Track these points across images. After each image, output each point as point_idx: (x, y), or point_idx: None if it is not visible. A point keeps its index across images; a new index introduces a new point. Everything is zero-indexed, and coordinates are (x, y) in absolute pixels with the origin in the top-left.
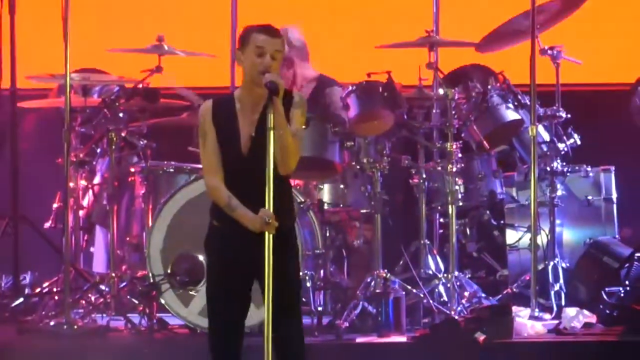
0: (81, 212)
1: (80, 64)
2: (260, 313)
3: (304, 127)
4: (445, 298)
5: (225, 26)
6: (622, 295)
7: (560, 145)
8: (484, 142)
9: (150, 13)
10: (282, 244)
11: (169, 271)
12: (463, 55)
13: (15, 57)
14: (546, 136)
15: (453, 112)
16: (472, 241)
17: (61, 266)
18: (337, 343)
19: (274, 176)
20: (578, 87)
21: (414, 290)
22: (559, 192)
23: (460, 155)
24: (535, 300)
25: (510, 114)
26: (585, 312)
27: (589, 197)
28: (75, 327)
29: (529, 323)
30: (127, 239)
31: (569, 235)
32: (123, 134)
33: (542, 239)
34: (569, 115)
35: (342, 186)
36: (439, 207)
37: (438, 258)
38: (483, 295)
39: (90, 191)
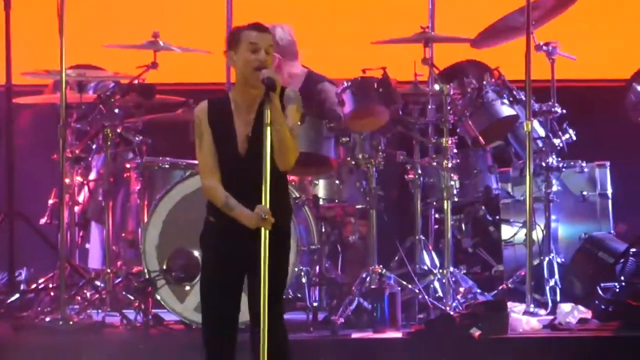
0: (77, 208)
1: (76, 60)
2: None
3: (299, 123)
4: (440, 294)
5: (220, 22)
6: (617, 290)
7: (556, 141)
8: (480, 138)
9: (146, 9)
10: (277, 242)
11: (164, 267)
12: (458, 51)
13: (11, 53)
14: (541, 132)
15: (448, 108)
16: (468, 237)
17: (57, 262)
18: (332, 339)
19: (271, 174)
20: (573, 83)
21: (409, 286)
22: (554, 188)
23: (455, 150)
24: (531, 296)
25: (506, 110)
26: (581, 307)
27: (584, 193)
28: (71, 323)
29: (524, 319)
30: (123, 235)
31: (564, 230)
32: (118, 130)
33: (538, 234)
34: (564, 111)
35: (337, 182)
36: (434, 203)
37: (433, 254)
38: (478, 290)
39: (86, 187)
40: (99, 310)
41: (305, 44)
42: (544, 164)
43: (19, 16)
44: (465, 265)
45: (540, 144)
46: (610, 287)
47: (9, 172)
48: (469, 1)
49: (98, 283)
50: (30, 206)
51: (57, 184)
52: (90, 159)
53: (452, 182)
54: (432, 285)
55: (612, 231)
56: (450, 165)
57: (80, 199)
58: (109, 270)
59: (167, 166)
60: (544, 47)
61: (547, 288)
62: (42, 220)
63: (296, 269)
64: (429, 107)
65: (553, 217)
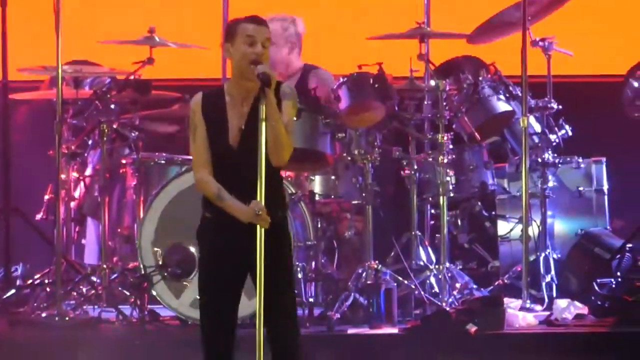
0: (72, 204)
1: (72, 56)
2: (252, 304)
3: (295, 118)
4: (436, 289)
5: (216, 18)
6: (613, 286)
7: (552, 137)
8: (475, 134)
9: (142, 5)
10: (274, 237)
11: (160, 263)
12: (454, 47)
13: (7, 49)
14: (537, 127)
15: (444, 104)
16: (464, 232)
17: (52, 258)
18: (328, 334)
19: (265, 169)
20: (569, 79)
21: (405, 282)
22: (550, 184)
23: (451, 146)
24: (527, 292)
25: (502, 106)
26: (577, 303)
27: (581, 189)
28: (67, 318)
29: (520, 314)
30: (119, 230)
31: (560, 226)
32: (114, 126)
33: (534, 230)
34: (560, 107)
35: (333, 177)
36: (430, 199)
37: (429, 249)
38: (474, 286)
39: (82, 183)
40: (95, 306)
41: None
42: (540, 160)
43: (15, 12)
44: (461, 261)
45: (536, 139)
46: (607, 283)
47: (5, 167)
48: None
49: (94, 279)
50: (26, 202)
51: (53, 180)
52: (86, 154)
53: (448, 178)
54: (428, 281)
55: (608, 227)
56: (446, 161)
57: (76, 194)
58: (104, 266)
59: (163, 162)
60: (540, 43)
61: (543, 284)
62: (38, 216)
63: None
64: (425, 102)
65: (549, 212)
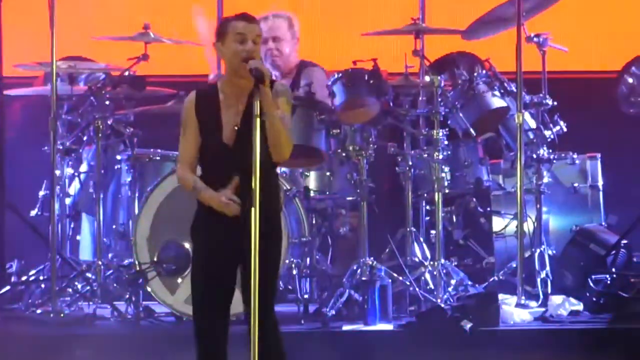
0: (68, 200)
1: (67, 51)
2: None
3: (289, 115)
4: (431, 286)
5: (211, 14)
6: (608, 282)
7: (547, 133)
8: (470, 130)
9: (137, 1)
10: (266, 234)
11: (155, 259)
12: (449, 43)
13: (2, 45)
14: (532, 123)
15: (439, 100)
16: (459, 229)
17: (47, 254)
18: (323, 331)
19: (260, 166)
20: (564, 75)
21: (400, 278)
22: (545, 180)
23: (446, 142)
24: (522, 288)
25: (497, 102)
26: (572, 299)
27: (575, 185)
28: (62, 315)
29: (515, 311)
30: (114, 227)
31: (555, 222)
32: (109, 122)
33: (529, 226)
34: (555, 103)
35: (328, 174)
36: (425, 195)
37: (424, 246)
38: (469, 282)
39: (77, 179)
40: (90, 303)
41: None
42: (535, 156)
43: (9, 8)
44: (456, 257)
45: (531, 135)
46: (602, 279)
47: (0, 163)
48: None
49: (89, 275)
50: (21, 198)
51: (48, 176)
52: (81, 150)
53: (443, 174)
54: (423, 278)
55: (603, 223)
56: (441, 157)
57: (71, 191)
58: (99, 263)
59: (158, 158)
60: (535, 39)
61: (538, 280)
62: (33, 212)
63: (287, 261)
64: (420, 98)
65: (544, 209)
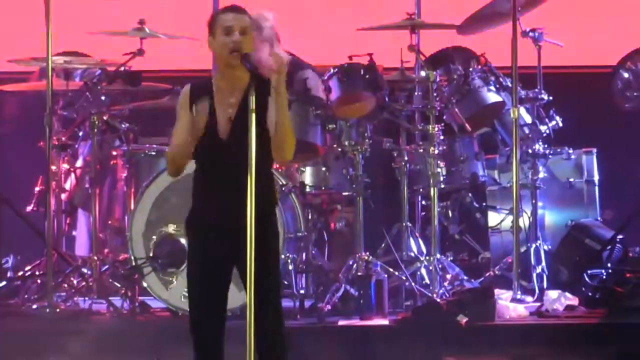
0: (63, 196)
1: (62, 47)
2: (242, 296)
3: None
4: (427, 281)
5: (206, 9)
6: (604, 277)
7: (542, 128)
8: (466, 125)
9: None
10: (262, 230)
11: (150, 254)
12: (445, 38)
13: None
14: (528, 118)
15: (435, 95)
16: (454, 224)
17: (43, 250)
18: (319, 326)
19: (256, 160)
20: (560, 70)
21: (396, 273)
22: (541, 175)
23: (442, 137)
24: (518, 283)
25: (492, 97)
26: (567, 294)
27: (571, 179)
28: (58, 310)
29: (511, 306)
30: (109, 222)
31: (550, 217)
32: (105, 117)
33: (524, 221)
34: (550, 98)
35: (323, 169)
36: (421, 190)
37: (420, 241)
38: (465, 277)
39: (73, 174)
40: (86, 298)
41: (291, 31)
42: (530, 151)
43: (4, 3)
44: (452, 252)
45: (526, 130)
46: (597, 274)
47: None
48: None
49: (85, 270)
50: (17, 194)
51: (44, 172)
52: (76, 146)
53: (439, 169)
54: (418, 273)
55: (598, 218)
56: (436, 152)
57: (67, 186)
58: (95, 258)
59: (153, 153)
60: (531, 34)
61: (534, 275)
62: (29, 208)
63: (283, 256)
64: (416, 93)
65: (540, 204)
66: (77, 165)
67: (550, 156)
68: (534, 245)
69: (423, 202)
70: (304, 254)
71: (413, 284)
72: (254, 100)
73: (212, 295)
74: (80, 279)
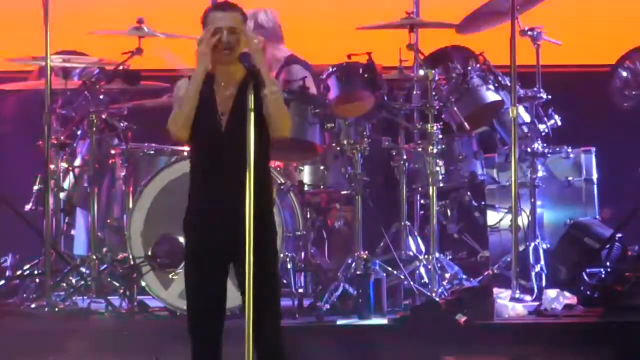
0: (62, 195)
1: (61, 46)
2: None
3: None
4: (426, 280)
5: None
6: (603, 276)
7: (541, 127)
8: (465, 124)
9: None
10: (258, 229)
11: (149, 253)
12: (443, 37)
13: None
14: (527, 117)
15: (433, 94)
16: (453, 222)
17: (42, 249)
18: (317, 325)
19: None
20: (558, 69)
21: (395, 272)
22: (540, 173)
23: (440, 136)
24: (516, 282)
25: (491, 95)
26: (566, 293)
27: (570, 178)
28: (56, 309)
29: (509, 304)
30: (108, 221)
31: (549, 216)
32: (103, 116)
33: (523, 220)
34: (549, 97)
35: (322, 168)
36: (420, 189)
37: (419, 239)
38: (464, 276)
39: (71, 173)
40: (84, 297)
41: (290, 30)
42: (529, 150)
43: (3, 2)
44: (451, 251)
45: (525, 129)
46: (596, 273)
47: None
48: None
49: (83, 269)
50: (15, 193)
51: (42, 170)
52: (75, 145)
53: (438, 168)
54: (417, 271)
55: (597, 216)
56: (435, 151)
57: (66, 185)
58: (94, 257)
59: (152, 152)
60: (529, 33)
61: (533, 274)
62: (27, 207)
63: (281, 255)
64: (414, 92)
65: (538, 202)
66: (75, 164)
67: (549, 155)
68: (532, 244)
69: (422, 201)
70: (302, 253)
71: (412, 283)
72: (252, 99)
73: (210, 294)
74: (78, 278)
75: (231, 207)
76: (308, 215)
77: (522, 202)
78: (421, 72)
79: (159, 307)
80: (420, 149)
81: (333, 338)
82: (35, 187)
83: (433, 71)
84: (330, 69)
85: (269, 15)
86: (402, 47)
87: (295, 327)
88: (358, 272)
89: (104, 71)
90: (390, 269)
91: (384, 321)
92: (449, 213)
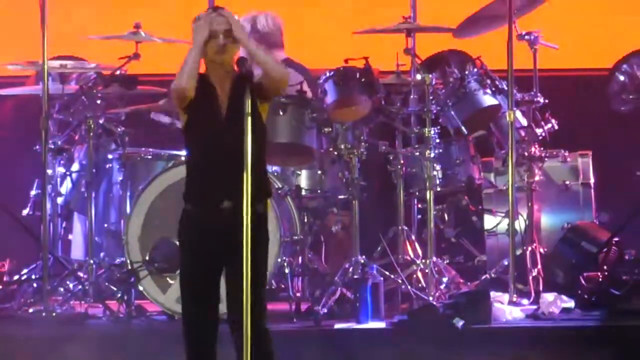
0: (59, 200)
1: (58, 51)
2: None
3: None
4: (423, 284)
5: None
6: (600, 280)
7: (538, 131)
8: (462, 128)
9: (128, 0)
10: (255, 228)
11: (146, 258)
12: (440, 41)
13: None
14: (524, 121)
15: (431, 98)
16: (450, 227)
17: (39, 253)
18: (315, 329)
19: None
20: (555, 73)
21: (392, 276)
22: (537, 177)
23: (438, 140)
24: (514, 286)
25: (488, 99)
26: (564, 297)
27: (567, 182)
28: (54, 314)
29: (507, 308)
30: (105, 226)
31: (546, 220)
32: (101, 121)
33: (520, 224)
34: (546, 101)
35: (319, 172)
36: (417, 193)
37: (416, 244)
38: (461, 280)
39: (68, 178)
40: (82, 302)
41: (287, 34)
42: (526, 154)
43: (0, 7)
44: (448, 255)
45: (522, 133)
46: (593, 277)
47: None
48: None
49: (81, 274)
50: (13, 198)
51: (40, 175)
52: (72, 150)
53: (435, 172)
54: (415, 275)
55: (594, 220)
56: (432, 155)
57: (63, 190)
58: (91, 262)
59: (149, 157)
60: (526, 37)
61: (530, 278)
62: (25, 212)
63: (279, 260)
64: (411, 97)
65: (535, 206)
66: (73, 169)
67: (546, 159)
68: (529, 248)
69: (419, 205)
70: (300, 257)
71: (409, 287)
72: (249, 103)
73: (205, 299)
74: (76, 282)
75: (228, 210)
76: (305, 220)
77: (519, 206)
78: (418, 77)
79: (157, 311)
80: (417, 153)
81: (330, 342)
82: (33, 192)
83: (430, 75)
84: (328, 74)
85: (269, 19)
86: (399, 51)
87: (293, 331)
88: (355, 277)
89: (101, 76)
90: (387, 273)
91: (381, 325)
92: (446, 217)
